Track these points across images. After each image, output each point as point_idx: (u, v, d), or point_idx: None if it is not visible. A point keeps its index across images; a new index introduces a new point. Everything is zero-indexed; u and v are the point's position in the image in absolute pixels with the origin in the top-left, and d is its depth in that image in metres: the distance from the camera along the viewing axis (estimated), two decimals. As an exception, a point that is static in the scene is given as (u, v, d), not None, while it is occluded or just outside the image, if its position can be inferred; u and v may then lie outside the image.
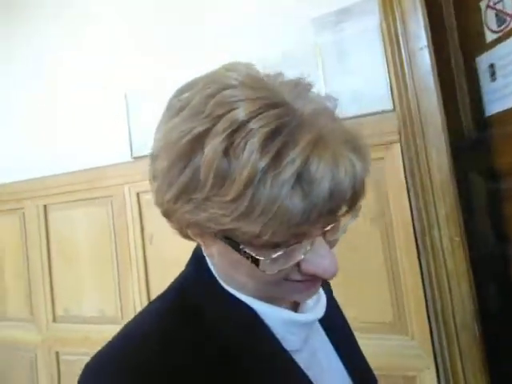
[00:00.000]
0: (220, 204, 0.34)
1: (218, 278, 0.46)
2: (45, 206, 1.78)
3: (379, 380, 0.59)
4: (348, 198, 0.37)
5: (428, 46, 1.13)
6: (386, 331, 1.12)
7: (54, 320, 1.74)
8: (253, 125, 0.34)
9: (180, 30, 1.50)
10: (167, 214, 0.42)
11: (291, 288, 0.41)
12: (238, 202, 0.33)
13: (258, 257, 0.36)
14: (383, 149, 1.14)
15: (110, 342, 0.42)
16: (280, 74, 0.41)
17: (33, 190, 1.79)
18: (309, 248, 0.37)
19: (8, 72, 1.92)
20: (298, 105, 0.37)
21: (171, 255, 1.45)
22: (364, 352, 0.59)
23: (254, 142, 0.33)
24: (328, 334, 0.53)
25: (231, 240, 0.37)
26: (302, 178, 0.33)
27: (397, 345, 1.11)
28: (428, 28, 1.17)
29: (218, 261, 0.44)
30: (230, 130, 0.34)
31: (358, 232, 1.18)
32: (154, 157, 0.41)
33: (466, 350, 1.05)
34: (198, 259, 0.48)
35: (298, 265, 0.39)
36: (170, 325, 0.42)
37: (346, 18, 1.25)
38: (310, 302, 0.49)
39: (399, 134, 1.13)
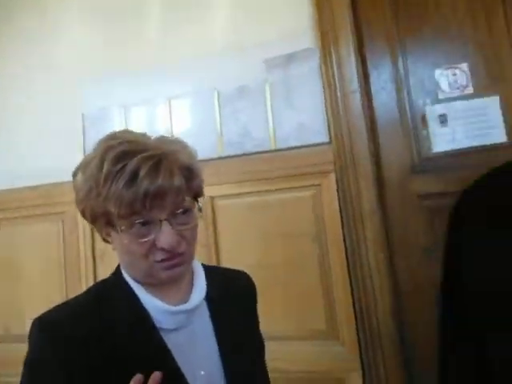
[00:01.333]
0: (98, 196, 0.59)
1: (122, 272, 0.68)
2: (-8, 221, 1.74)
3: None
4: (170, 198, 0.59)
5: (359, 90, 1.32)
6: (321, 338, 1.25)
7: (-6, 340, 1.68)
8: (116, 148, 0.60)
9: (143, 57, 1.60)
10: (82, 213, 0.65)
11: (159, 267, 0.62)
12: (103, 191, 0.58)
13: (123, 227, 0.59)
14: (320, 176, 1.30)
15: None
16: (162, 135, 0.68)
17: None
18: (158, 229, 0.59)
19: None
20: (153, 143, 0.63)
21: (122, 272, 1.49)
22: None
23: (111, 157, 0.59)
24: (215, 325, 0.70)
25: (111, 224, 0.61)
26: (134, 177, 0.57)
27: (329, 350, 1.23)
28: (361, 73, 1.36)
29: (118, 251, 0.65)
30: (102, 152, 0.60)
31: (300, 250, 1.31)
32: (74, 174, 0.66)
33: (388, 356, 1.20)
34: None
35: (155, 245, 0.60)
36: (81, 303, 0.66)
37: (293, 61, 1.42)
38: (195, 297, 0.68)
39: (334, 164, 1.29)
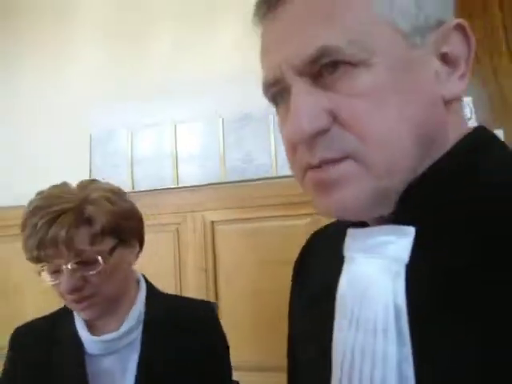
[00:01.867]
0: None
1: None
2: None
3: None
4: (63, 248, 0.65)
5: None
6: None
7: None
8: (32, 203, 0.69)
9: (151, 82, 1.65)
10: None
11: (74, 307, 0.70)
12: (22, 238, 0.68)
13: (39, 271, 0.69)
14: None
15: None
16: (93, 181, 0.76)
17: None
18: (60, 275, 0.67)
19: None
20: (69, 197, 0.69)
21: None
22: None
23: (27, 210, 0.68)
24: (142, 353, 0.73)
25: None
26: (33, 230, 0.65)
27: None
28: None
29: None
30: (27, 205, 0.70)
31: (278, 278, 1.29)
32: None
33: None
34: None
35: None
36: (39, 325, 0.78)
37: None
38: (124, 326, 0.73)
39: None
